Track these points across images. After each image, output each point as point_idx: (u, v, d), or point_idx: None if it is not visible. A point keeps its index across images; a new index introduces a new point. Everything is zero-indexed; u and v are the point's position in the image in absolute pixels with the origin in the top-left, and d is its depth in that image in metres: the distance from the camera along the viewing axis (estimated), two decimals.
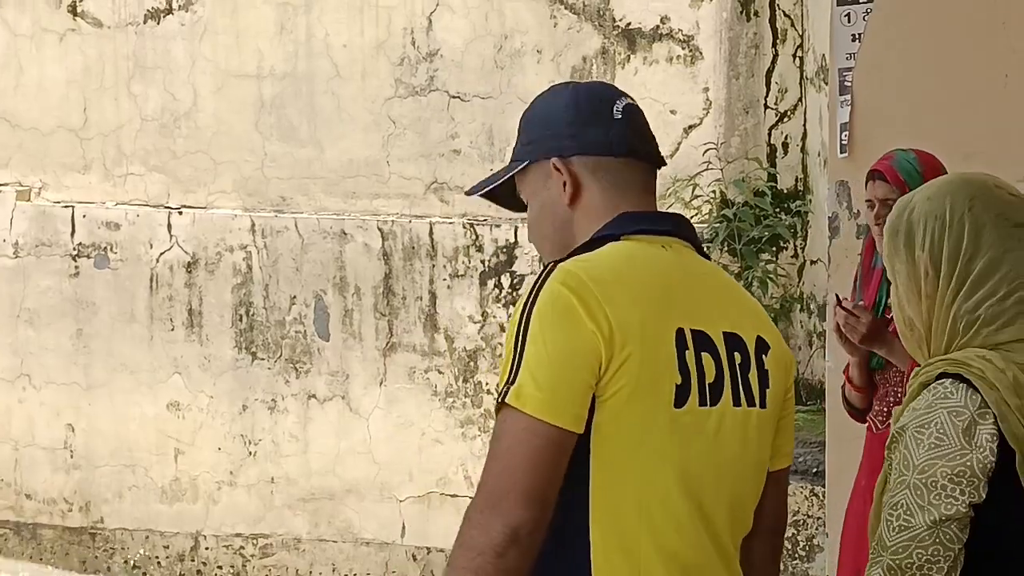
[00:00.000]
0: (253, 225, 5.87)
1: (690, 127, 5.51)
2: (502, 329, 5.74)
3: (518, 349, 1.73)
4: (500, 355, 5.76)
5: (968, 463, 1.75)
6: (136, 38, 5.97)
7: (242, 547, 5.92)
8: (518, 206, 1.97)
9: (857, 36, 3.82)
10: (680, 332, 1.78)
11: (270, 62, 5.88)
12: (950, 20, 3.65)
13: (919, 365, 1.87)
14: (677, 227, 1.86)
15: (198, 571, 5.97)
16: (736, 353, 1.82)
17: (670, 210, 1.97)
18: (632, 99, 1.92)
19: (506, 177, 1.93)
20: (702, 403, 1.78)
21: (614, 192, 1.85)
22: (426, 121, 5.79)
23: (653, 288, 1.79)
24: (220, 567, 5.95)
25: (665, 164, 1.94)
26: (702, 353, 1.79)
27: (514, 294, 5.73)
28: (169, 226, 5.94)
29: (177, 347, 5.92)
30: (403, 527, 5.80)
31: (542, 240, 1.91)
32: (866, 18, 3.78)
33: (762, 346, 1.85)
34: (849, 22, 3.84)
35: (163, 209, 5.96)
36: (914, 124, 3.62)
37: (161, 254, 5.95)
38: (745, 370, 1.82)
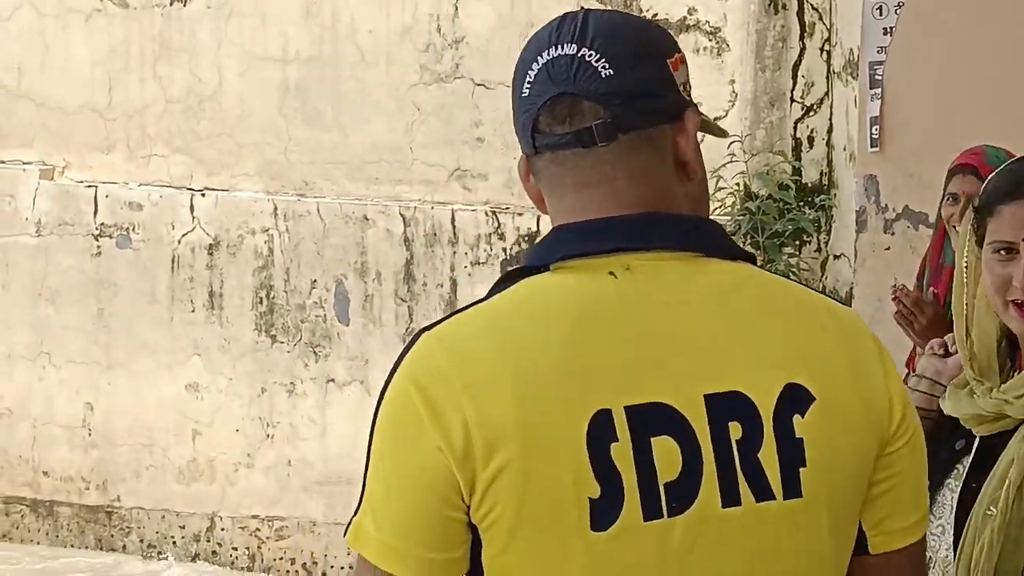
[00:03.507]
0: (275, 208, 5.87)
1: (716, 119, 5.48)
2: None
3: (367, 462, 1.26)
4: None
5: None
6: (162, 20, 5.97)
7: (258, 529, 5.93)
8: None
9: (888, 30, 3.79)
10: (602, 417, 1.19)
11: (295, 46, 5.87)
12: (982, 14, 3.62)
13: None
14: (645, 234, 1.24)
15: (213, 552, 5.98)
16: (733, 424, 1.21)
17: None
18: (568, 46, 1.29)
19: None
20: (652, 515, 1.20)
21: (551, 200, 1.30)
22: (450, 108, 5.78)
23: (560, 353, 1.20)
24: (235, 548, 5.96)
25: (614, 139, 1.26)
26: (652, 439, 1.20)
27: None
28: (192, 208, 5.95)
29: (197, 329, 5.92)
30: None
31: None
32: (898, 11, 3.75)
33: (795, 400, 1.23)
34: (881, 15, 3.81)
35: (186, 191, 5.96)
36: (946, 118, 3.59)
37: (183, 235, 5.95)
38: (750, 448, 1.21)
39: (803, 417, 1.22)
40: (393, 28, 5.80)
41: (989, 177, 1.89)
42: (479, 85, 5.76)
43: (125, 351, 5.97)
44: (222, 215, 5.92)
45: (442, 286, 5.75)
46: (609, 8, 1.31)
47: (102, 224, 6.03)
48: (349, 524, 1.25)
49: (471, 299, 6.08)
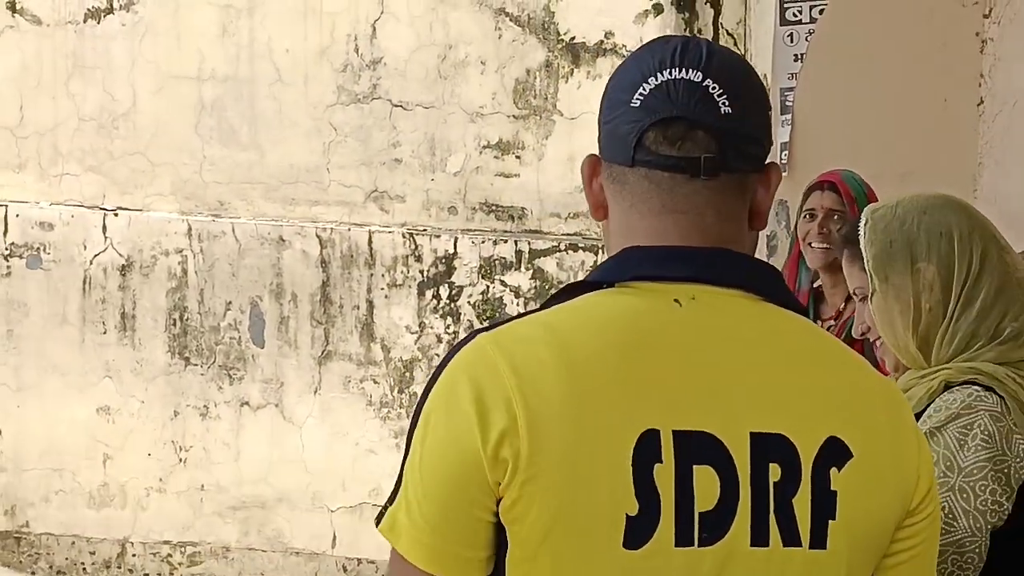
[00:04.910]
0: (190, 229, 5.82)
1: None
2: (439, 340, 5.72)
3: (406, 451, 1.25)
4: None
5: (1007, 471, 1.72)
6: (76, 37, 5.90)
7: (170, 555, 5.85)
8: None
9: (799, 56, 3.84)
10: (650, 436, 1.20)
11: (211, 64, 5.82)
12: (891, 41, 3.68)
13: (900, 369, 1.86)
14: (714, 269, 1.26)
15: None
16: (773, 465, 1.22)
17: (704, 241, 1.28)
18: (692, 71, 1.27)
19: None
20: (683, 541, 1.20)
21: (630, 214, 1.28)
22: (368, 129, 5.76)
23: (615, 369, 1.21)
24: (147, 574, 5.87)
25: (716, 176, 1.27)
26: (695, 466, 1.21)
27: (452, 305, 5.71)
28: (104, 228, 5.87)
29: (109, 351, 5.84)
30: (334, 537, 5.75)
31: None
32: (808, 38, 3.80)
33: (833, 454, 1.24)
34: (792, 42, 3.86)
35: (98, 210, 5.88)
36: (854, 144, 3.65)
37: (95, 256, 5.87)
38: (786, 491, 1.22)
39: (839, 471, 1.23)
40: (311, 48, 5.78)
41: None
42: (397, 106, 5.75)
43: (35, 373, 5.87)
44: (135, 235, 5.85)
45: (358, 308, 5.73)
46: (723, 45, 1.27)
47: (12, 244, 5.94)
48: (383, 512, 1.25)
49: (388, 322, 6.05)
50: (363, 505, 5.72)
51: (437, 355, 5.70)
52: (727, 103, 1.26)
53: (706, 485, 1.20)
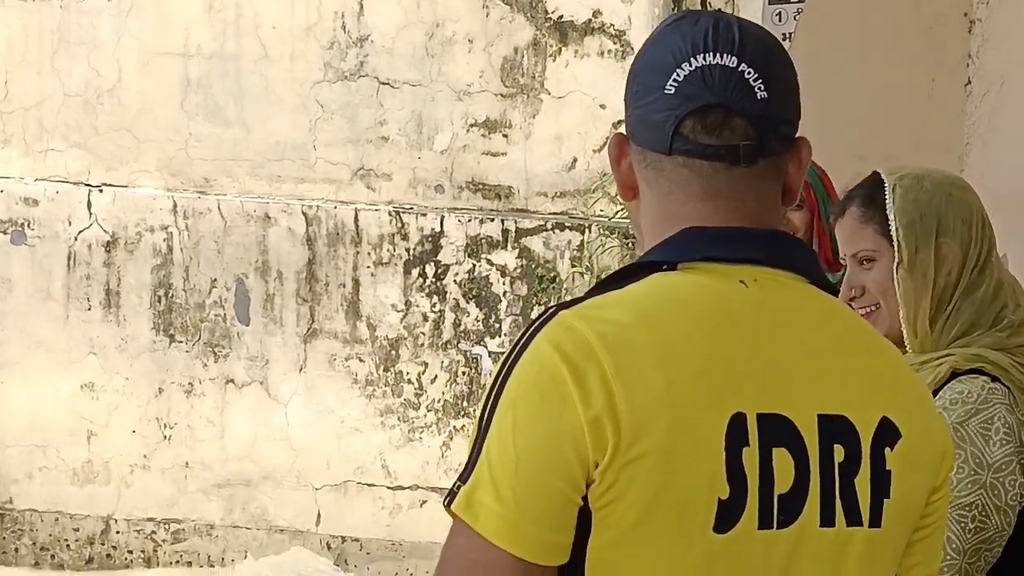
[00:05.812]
0: (175, 205, 5.80)
1: (619, 121, 5.52)
2: (425, 318, 5.71)
3: (482, 431, 1.19)
4: (422, 344, 5.74)
5: (1022, 461, 1.75)
6: (61, 12, 5.87)
7: (154, 532, 5.85)
8: None
9: (788, 35, 3.84)
10: (739, 420, 1.20)
11: (197, 41, 5.80)
12: (879, 24, 3.68)
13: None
14: (771, 251, 1.26)
15: (108, 555, 5.88)
16: (838, 446, 1.24)
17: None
18: (727, 56, 1.26)
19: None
20: (764, 524, 1.21)
21: (668, 201, 1.27)
22: (354, 106, 5.75)
23: (705, 351, 1.21)
24: (131, 551, 5.87)
25: (755, 162, 1.26)
26: (774, 449, 1.21)
27: (438, 283, 5.70)
28: (89, 204, 5.85)
29: (93, 327, 5.83)
30: (318, 515, 5.75)
31: None
32: (797, 18, 3.80)
33: (886, 434, 1.26)
34: (780, 21, 3.85)
35: (83, 186, 5.86)
36: (840, 126, 3.64)
37: (80, 232, 5.85)
38: (849, 472, 1.24)
39: (892, 451, 1.26)
40: (297, 25, 5.76)
41: None
42: (384, 83, 5.73)
43: (19, 349, 5.86)
44: (120, 212, 5.83)
45: (344, 286, 5.72)
46: (750, 21, 1.25)
47: None
48: (452, 491, 1.20)
49: (373, 300, 5.98)
50: (347, 483, 5.73)
51: (423, 333, 5.69)
52: (763, 87, 1.26)
53: (784, 468, 1.21)
